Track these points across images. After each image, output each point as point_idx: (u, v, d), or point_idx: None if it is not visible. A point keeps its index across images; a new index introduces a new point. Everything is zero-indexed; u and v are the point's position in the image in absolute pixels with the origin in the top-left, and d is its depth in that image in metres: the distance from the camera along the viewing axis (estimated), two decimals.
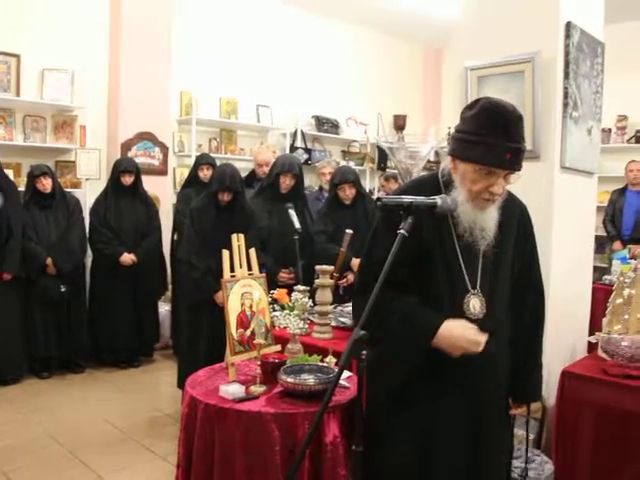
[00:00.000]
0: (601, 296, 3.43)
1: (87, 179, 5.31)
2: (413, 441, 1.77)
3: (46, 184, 4.61)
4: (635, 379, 2.40)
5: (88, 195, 5.25)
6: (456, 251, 1.76)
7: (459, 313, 1.74)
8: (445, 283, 1.76)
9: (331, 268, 2.96)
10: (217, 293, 3.45)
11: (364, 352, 1.54)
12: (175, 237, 5.23)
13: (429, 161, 5.61)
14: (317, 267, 2.89)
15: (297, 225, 3.60)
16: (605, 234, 6.26)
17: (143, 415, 4.00)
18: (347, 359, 1.52)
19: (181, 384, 3.65)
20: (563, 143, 2.73)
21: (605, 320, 2.83)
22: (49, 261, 4.54)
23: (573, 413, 2.52)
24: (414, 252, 1.70)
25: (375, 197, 5.23)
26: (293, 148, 6.75)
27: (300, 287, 2.73)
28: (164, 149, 5.88)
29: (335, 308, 3.06)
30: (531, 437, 2.63)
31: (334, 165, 5.18)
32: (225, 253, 2.42)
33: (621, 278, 2.83)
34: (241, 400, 2.05)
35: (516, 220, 1.86)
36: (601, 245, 6.09)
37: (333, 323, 2.92)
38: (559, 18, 2.67)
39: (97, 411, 4.03)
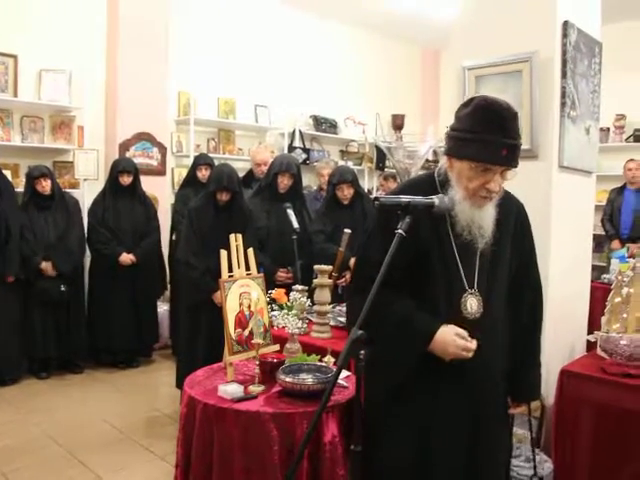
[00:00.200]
0: (600, 295, 3.42)
1: (85, 179, 5.31)
2: (411, 440, 1.77)
3: (45, 185, 4.60)
4: (634, 378, 2.40)
5: (86, 195, 5.25)
6: (453, 250, 1.76)
7: (456, 312, 1.74)
8: (442, 283, 1.76)
9: (329, 268, 2.95)
10: (215, 293, 3.45)
11: (362, 352, 1.54)
12: (173, 237, 5.23)
13: (427, 160, 5.61)
14: (316, 267, 2.89)
15: (295, 225, 3.61)
16: (603, 233, 6.26)
17: (142, 415, 4.00)
18: (345, 359, 1.52)
19: (180, 384, 3.64)
20: (561, 142, 2.73)
21: (604, 319, 2.84)
22: (47, 263, 4.52)
23: (572, 412, 2.52)
24: (411, 252, 1.70)
25: (372, 197, 5.22)
26: (291, 148, 6.75)
27: (298, 287, 2.73)
28: (162, 149, 5.87)
29: (334, 308, 3.07)
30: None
31: (333, 166, 5.17)
32: (223, 253, 2.42)
33: (619, 277, 2.83)
34: (240, 400, 2.05)
35: (513, 218, 1.86)
36: (599, 244, 6.09)
37: (332, 323, 2.91)
38: (556, 18, 2.67)
39: (96, 411, 4.03)
